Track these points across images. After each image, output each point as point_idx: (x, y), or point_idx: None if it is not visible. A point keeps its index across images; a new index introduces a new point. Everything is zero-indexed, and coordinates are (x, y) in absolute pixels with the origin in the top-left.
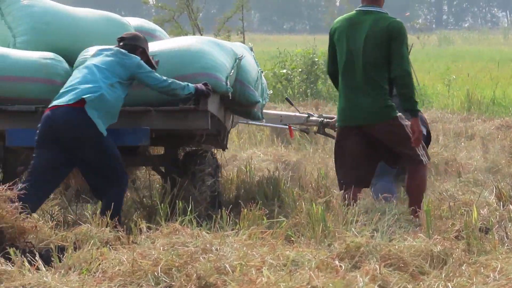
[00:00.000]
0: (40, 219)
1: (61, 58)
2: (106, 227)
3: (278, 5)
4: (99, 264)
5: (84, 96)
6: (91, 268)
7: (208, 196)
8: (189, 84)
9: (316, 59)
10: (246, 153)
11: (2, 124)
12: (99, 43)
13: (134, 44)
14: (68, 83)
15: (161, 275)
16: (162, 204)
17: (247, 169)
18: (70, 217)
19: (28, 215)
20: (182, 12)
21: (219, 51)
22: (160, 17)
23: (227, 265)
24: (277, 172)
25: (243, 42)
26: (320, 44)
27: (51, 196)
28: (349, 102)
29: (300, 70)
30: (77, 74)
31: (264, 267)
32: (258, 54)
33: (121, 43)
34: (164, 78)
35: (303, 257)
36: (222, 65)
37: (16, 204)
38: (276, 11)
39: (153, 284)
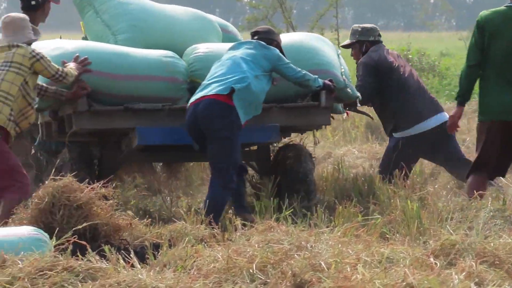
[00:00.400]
0: (135, 216)
1: (178, 56)
2: (201, 224)
3: (372, 1)
4: (194, 261)
5: (233, 86)
6: (186, 265)
7: (302, 192)
8: (317, 77)
9: (410, 56)
10: (341, 150)
11: (130, 122)
12: (190, 40)
13: (269, 38)
14: (211, 75)
15: (256, 272)
16: (257, 201)
17: (342, 166)
18: (165, 214)
19: (124, 213)
20: (276, 11)
21: (327, 47)
22: (253, 16)
23: (322, 262)
24: (372, 169)
25: (338, 40)
26: (414, 42)
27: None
28: (504, 97)
29: None
30: (220, 66)
31: (359, 264)
32: None
33: (255, 37)
34: (299, 69)
35: (398, 254)
36: (334, 61)
37: (111, 201)
38: (370, 8)
39: (248, 281)
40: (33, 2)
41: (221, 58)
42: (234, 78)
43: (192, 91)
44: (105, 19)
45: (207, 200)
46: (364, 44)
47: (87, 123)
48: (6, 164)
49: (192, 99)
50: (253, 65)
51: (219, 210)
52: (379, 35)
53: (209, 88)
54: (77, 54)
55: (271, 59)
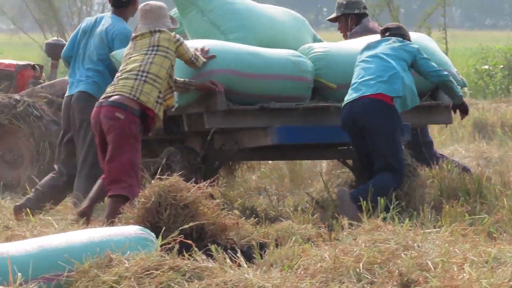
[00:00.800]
0: (242, 215)
1: (304, 55)
2: (308, 223)
3: (480, 1)
4: (301, 261)
5: (394, 87)
6: (292, 264)
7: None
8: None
9: None
10: (448, 149)
11: (262, 121)
12: (290, 39)
13: (401, 33)
14: (360, 74)
15: (363, 271)
16: (363, 200)
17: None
18: (271, 213)
19: (230, 212)
20: (383, 10)
21: (437, 47)
22: None
23: (428, 262)
24: (479, 168)
25: (445, 39)
26: None
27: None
28: None
29: (501, 66)
30: (368, 64)
31: (465, 264)
32: (460, 51)
33: (386, 34)
34: (441, 68)
35: (505, 254)
36: (449, 61)
37: (218, 200)
38: (477, 7)
39: (355, 280)
40: None
41: (360, 57)
42: (387, 75)
43: (314, 90)
44: (211, 19)
45: (371, 185)
46: (349, 17)
47: (220, 122)
48: (126, 157)
49: (347, 99)
50: (398, 60)
51: (384, 192)
52: (365, 8)
53: (364, 88)
54: (206, 47)
55: (411, 51)
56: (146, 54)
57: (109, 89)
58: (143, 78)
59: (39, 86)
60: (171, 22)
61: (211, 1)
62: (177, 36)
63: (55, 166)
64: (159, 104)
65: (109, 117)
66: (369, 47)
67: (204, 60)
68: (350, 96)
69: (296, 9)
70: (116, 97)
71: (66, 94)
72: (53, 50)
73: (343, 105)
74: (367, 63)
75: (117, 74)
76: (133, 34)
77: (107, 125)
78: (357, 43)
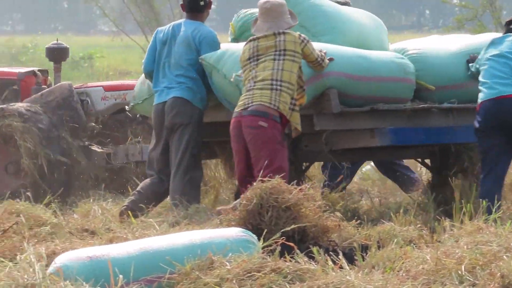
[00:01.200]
0: (344, 217)
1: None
2: (410, 225)
3: None
4: (403, 263)
5: None
6: (394, 266)
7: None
8: None
9: None
10: None
11: (372, 123)
12: (373, 40)
13: None
14: (489, 74)
15: (464, 273)
16: (465, 202)
17: None
18: (373, 215)
19: (332, 214)
20: (485, 11)
21: None
22: (462, 16)
23: None
24: None
25: None
26: None
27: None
28: None
29: None
30: (495, 64)
31: None
32: None
33: (511, 26)
34: None
35: None
36: None
37: (319, 202)
38: None
39: (457, 282)
40: (201, 3)
41: (486, 55)
42: None
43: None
44: (300, 21)
45: None
46: None
47: (331, 124)
48: (277, 165)
49: (485, 97)
50: None
51: None
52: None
53: (501, 87)
54: (323, 50)
55: None
56: (274, 60)
57: (245, 100)
58: (279, 88)
59: (39, 93)
60: (291, 18)
61: (299, 4)
62: (302, 36)
63: (149, 173)
64: (291, 110)
65: (253, 126)
66: (493, 43)
67: (327, 61)
68: (486, 95)
69: (398, 11)
70: (256, 106)
71: (156, 102)
72: (54, 54)
73: (480, 101)
74: (494, 62)
75: (248, 84)
76: (255, 34)
77: (251, 134)
78: (448, 42)
